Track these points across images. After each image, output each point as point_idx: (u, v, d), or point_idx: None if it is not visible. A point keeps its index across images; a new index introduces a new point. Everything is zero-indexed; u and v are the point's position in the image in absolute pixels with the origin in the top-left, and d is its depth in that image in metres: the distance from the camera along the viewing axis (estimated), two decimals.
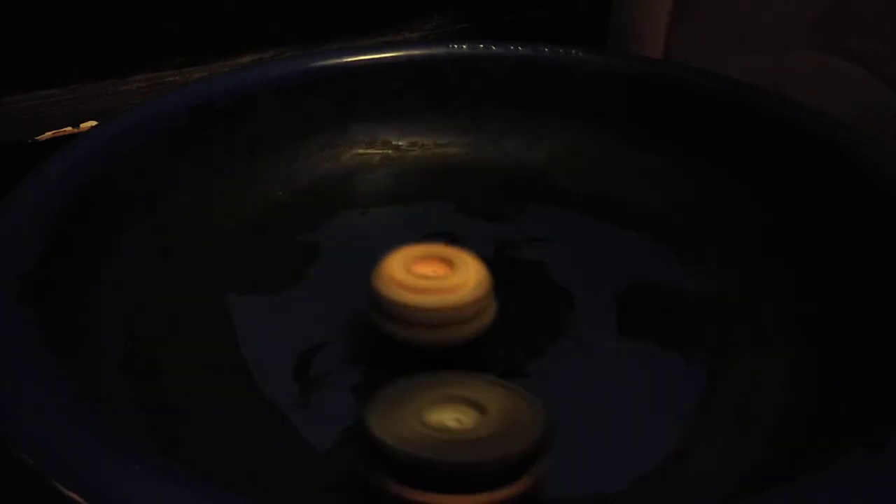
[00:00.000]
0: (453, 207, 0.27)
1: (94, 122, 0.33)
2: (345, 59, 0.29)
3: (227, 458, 0.18)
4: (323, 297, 0.23)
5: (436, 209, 0.27)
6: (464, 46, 0.30)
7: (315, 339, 0.22)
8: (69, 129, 0.33)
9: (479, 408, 0.15)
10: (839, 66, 0.31)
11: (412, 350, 0.19)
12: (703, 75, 0.28)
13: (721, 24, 0.32)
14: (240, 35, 0.36)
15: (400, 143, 0.30)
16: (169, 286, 0.23)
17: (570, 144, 0.29)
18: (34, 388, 0.16)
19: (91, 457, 0.14)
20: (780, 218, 0.25)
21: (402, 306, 0.19)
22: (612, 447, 0.19)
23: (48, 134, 0.32)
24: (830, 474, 0.14)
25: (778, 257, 0.24)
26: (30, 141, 0.32)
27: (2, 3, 0.31)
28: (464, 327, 0.19)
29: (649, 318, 0.23)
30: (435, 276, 0.19)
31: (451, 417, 0.15)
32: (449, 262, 0.20)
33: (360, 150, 0.29)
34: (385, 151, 0.29)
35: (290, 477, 0.18)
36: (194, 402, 0.19)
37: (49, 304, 0.18)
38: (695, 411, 0.20)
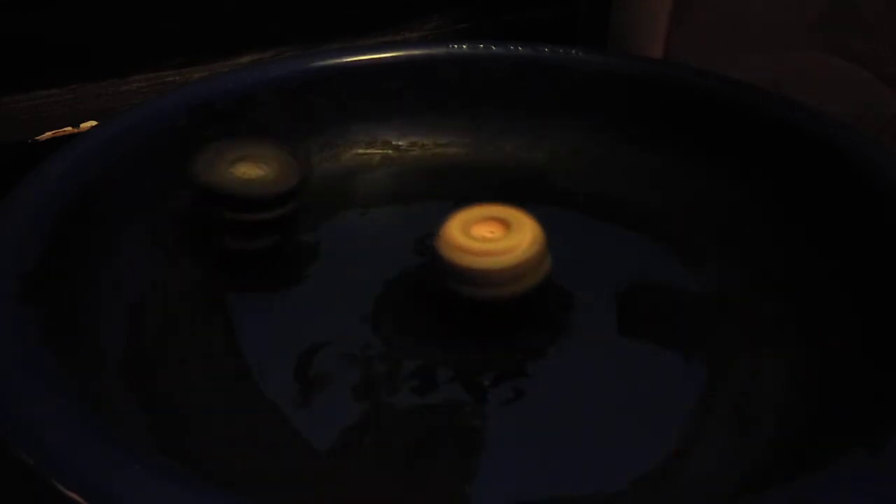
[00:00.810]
0: (453, 207, 0.27)
1: (94, 122, 0.33)
2: (345, 59, 0.29)
3: (227, 458, 0.18)
4: (323, 297, 0.23)
5: (436, 209, 0.27)
6: (464, 46, 0.30)
7: (315, 339, 0.22)
8: (69, 129, 0.33)
9: (265, 163, 0.23)
10: (839, 66, 0.31)
11: (479, 306, 0.21)
12: (703, 75, 0.28)
13: (721, 24, 0.32)
14: (240, 35, 0.36)
15: (400, 143, 0.30)
16: (169, 286, 0.23)
17: (570, 144, 0.29)
18: (34, 388, 0.16)
19: (91, 457, 0.14)
20: (780, 218, 0.25)
21: (464, 269, 0.20)
22: (612, 447, 0.19)
23: (48, 134, 0.32)
24: (830, 474, 0.14)
25: (778, 258, 0.24)
26: (30, 141, 0.32)
27: (2, 3, 0.31)
28: (522, 282, 0.21)
29: (649, 318, 0.23)
30: (492, 238, 0.21)
31: (248, 170, 0.23)
32: (505, 223, 0.21)
33: (360, 150, 0.29)
34: (385, 151, 0.29)
35: (290, 477, 0.18)
36: (194, 403, 0.19)
37: (49, 304, 0.18)
38: (695, 411, 0.20)
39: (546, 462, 0.18)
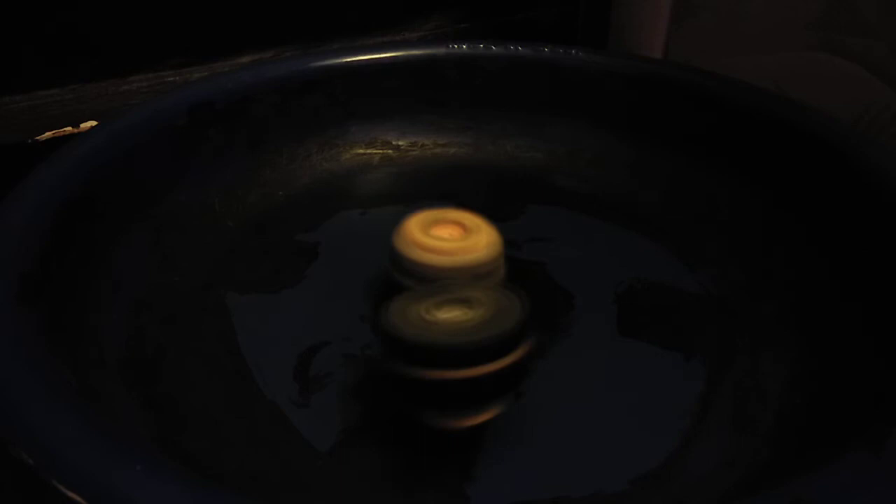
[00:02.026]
0: (453, 207, 0.27)
1: (94, 122, 0.33)
2: (345, 59, 0.29)
3: (227, 458, 0.18)
4: (323, 297, 0.23)
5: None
6: (464, 46, 0.30)
7: (315, 339, 0.22)
8: (69, 129, 0.33)
9: (469, 304, 0.18)
10: (839, 66, 0.31)
11: None
12: (702, 75, 0.28)
13: (721, 24, 0.32)
14: (240, 35, 0.36)
15: (400, 143, 0.30)
16: (169, 286, 0.23)
17: (570, 144, 0.29)
18: (34, 388, 0.16)
19: (91, 457, 0.14)
20: (779, 218, 0.25)
21: (422, 266, 0.20)
22: (612, 447, 0.19)
23: (48, 134, 0.32)
24: (830, 474, 0.14)
25: (778, 257, 0.24)
26: (30, 141, 0.32)
27: (2, 3, 0.31)
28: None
29: (649, 318, 0.23)
30: (451, 238, 0.20)
31: (449, 313, 0.18)
32: (463, 226, 0.21)
33: (360, 150, 0.29)
34: (385, 151, 0.29)
35: (290, 477, 0.18)
36: (194, 402, 0.19)
37: (49, 303, 0.18)
38: (695, 411, 0.20)
39: (546, 462, 0.18)
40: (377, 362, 0.18)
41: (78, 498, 0.13)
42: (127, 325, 0.21)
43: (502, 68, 0.30)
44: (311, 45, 0.38)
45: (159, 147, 0.25)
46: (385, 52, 0.29)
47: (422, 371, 0.16)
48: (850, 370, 0.19)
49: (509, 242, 0.25)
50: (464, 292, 0.18)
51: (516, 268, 0.24)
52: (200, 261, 0.24)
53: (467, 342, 0.16)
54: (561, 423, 0.19)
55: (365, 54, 0.29)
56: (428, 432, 0.19)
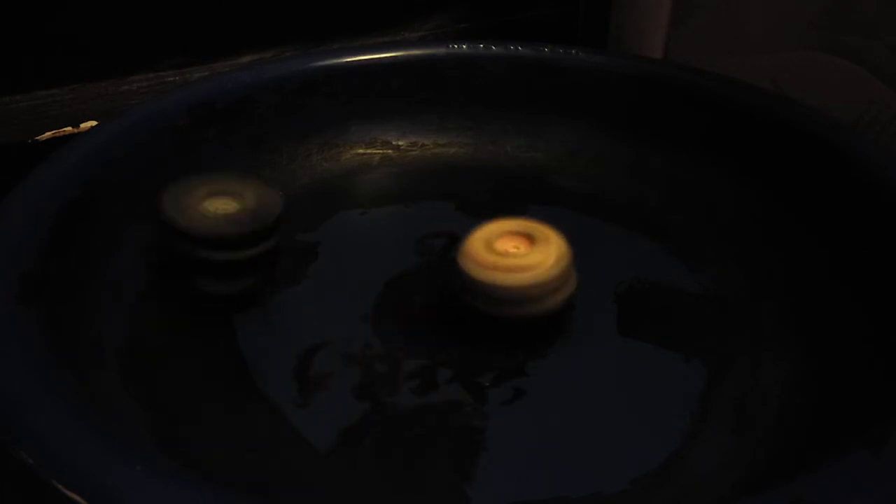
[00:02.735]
0: (453, 207, 0.27)
1: (94, 122, 0.33)
2: (345, 59, 0.29)
3: (227, 458, 0.18)
4: (323, 297, 0.23)
5: (436, 209, 0.27)
6: (464, 46, 0.30)
7: (315, 339, 0.22)
8: (69, 129, 0.33)
9: (239, 197, 0.21)
10: (839, 66, 0.31)
11: (499, 324, 0.21)
12: (703, 75, 0.28)
13: (721, 24, 0.32)
14: (240, 35, 0.36)
15: (400, 143, 0.30)
16: (169, 286, 0.23)
17: (570, 144, 0.29)
18: (34, 387, 0.16)
19: (91, 457, 0.14)
20: (780, 218, 0.25)
21: (482, 284, 0.20)
22: (612, 447, 0.19)
23: (48, 134, 0.32)
24: (830, 474, 0.14)
25: (778, 258, 0.24)
26: (30, 141, 0.32)
27: (2, 3, 0.31)
28: (546, 301, 0.20)
29: (649, 318, 0.23)
30: (515, 254, 0.20)
31: (219, 204, 0.21)
32: (530, 238, 0.21)
33: (360, 150, 0.29)
34: (385, 151, 0.29)
35: (290, 477, 0.18)
36: (194, 402, 0.19)
37: (49, 304, 0.18)
38: (695, 411, 0.20)
39: (546, 462, 0.18)
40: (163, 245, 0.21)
41: (78, 498, 0.13)
42: (127, 325, 0.21)
43: (502, 68, 0.30)
44: (311, 45, 0.38)
45: (159, 147, 0.25)
46: (385, 52, 0.29)
47: (202, 252, 0.21)
48: (851, 370, 0.19)
49: None
50: (230, 186, 0.22)
51: None
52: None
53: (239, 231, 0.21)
54: (561, 423, 0.19)
55: (365, 54, 0.29)
56: (428, 431, 0.19)
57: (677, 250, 0.25)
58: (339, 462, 0.18)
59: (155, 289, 0.22)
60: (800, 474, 0.15)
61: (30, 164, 0.22)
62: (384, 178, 0.29)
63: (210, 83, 0.27)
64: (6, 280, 0.18)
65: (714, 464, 0.18)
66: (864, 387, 0.18)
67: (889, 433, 0.15)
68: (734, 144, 0.27)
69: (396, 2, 0.39)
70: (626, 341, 0.22)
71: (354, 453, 0.19)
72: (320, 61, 0.29)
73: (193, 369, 0.20)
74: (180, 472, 0.15)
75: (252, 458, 0.18)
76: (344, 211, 0.27)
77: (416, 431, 0.19)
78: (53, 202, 0.21)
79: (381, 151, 0.29)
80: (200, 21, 0.35)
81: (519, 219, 0.21)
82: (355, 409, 0.20)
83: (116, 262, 0.22)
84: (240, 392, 0.20)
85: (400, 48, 0.30)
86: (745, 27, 0.32)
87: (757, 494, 0.15)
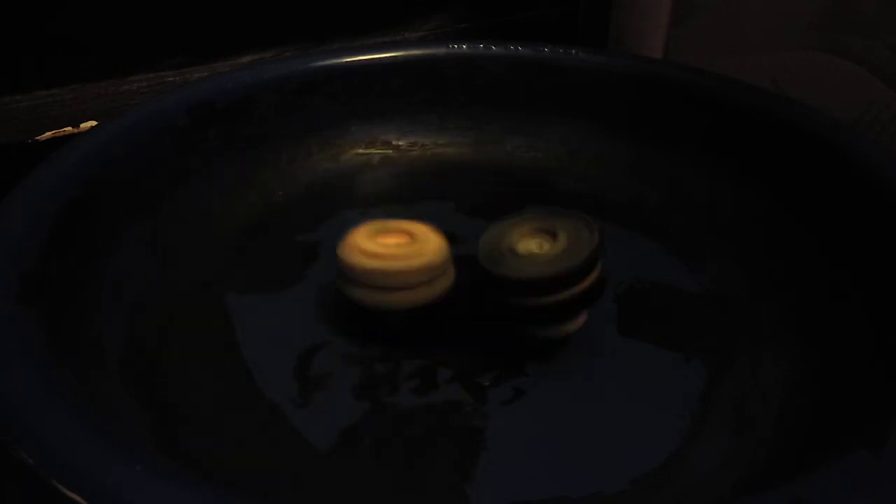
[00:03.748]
0: (453, 207, 0.27)
1: (94, 122, 0.33)
2: (345, 59, 0.29)
3: (227, 458, 0.18)
4: (323, 297, 0.23)
5: (436, 209, 0.27)
6: (464, 46, 0.30)
7: (315, 339, 0.22)
8: (69, 129, 0.33)
9: (552, 234, 0.20)
10: (839, 66, 0.31)
11: (384, 315, 0.21)
12: (703, 75, 0.28)
13: (721, 24, 0.32)
14: (240, 35, 0.37)
15: (400, 143, 0.30)
16: (169, 286, 0.23)
17: (570, 144, 0.29)
18: (34, 388, 0.16)
19: (91, 457, 0.14)
20: (780, 218, 0.25)
21: (363, 271, 0.20)
22: (612, 447, 0.19)
23: (48, 134, 0.32)
24: (830, 474, 0.14)
25: (778, 257, 0.24)
26: (30, 141, 0.32)
27: (2, 3, 0.31)
28: (424, 289, 0.21)
29: (649, 318, 0.23)
30: (397, 245, 0.21)
31: (535, 244, 0.20)
32: (411, 234, 0.21)
33: (360, 150, 0.29)
34: (385, 151, 0.29)
35: (290, 477, 0.18)
36: (194, 402, 0.19)
37: (49, 304, 0.18)
38: (695, 411, 0.20)
39: (546, 462, 0.18)
40: (486, 296, 0.21)
41: (78, 498, 0.13)
42: (127, 324, 0.21)
43: (502, 68, 0.30)
44: (311, 45, 0.38)
45: (159, 147, 0.25)
46: (385, 52, 0.29)
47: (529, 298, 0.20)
48: (851, 370, 0.19)
49: None
50: (545, 222, 0.21)
51: None
52: (200, 261, 0.24)
53: (570, 267, 0.19)
54: (561, 423, 0.19)
55: (365, 54, 0.29)
56: (428, 431, 0.19)
57: (677, 250, 0.25)
58: (339, 462, 0.18)
59: (155, 289, 0.22)
60: (800, 474, 0.15)
61: (30, 164, 0.22)
62: (384, 178, 0.29)
63: (210, 83, 0.27)
64: (6, 280, 0.18)
65: (714, 464, 0.18)
66: (864, 387, 0.18)
67: (889, 433, 0.15)
68: (734, 144, 0.27)
69: (396, 2, 0.39)
70: (626, 341, 0.22)
71: (354, 453, 0.19)
72: (320, 61, 0.29)
73: (193, 369, 0.20)
74: (180, 472, 0.15)
75: (252, 458, 0.18)
76: (344, 211, 0.27)
77: (416, 431, 0.19)
78: (53, 202, 0.21)
79: (381, 151, 0.29)
80: (200, 21, 0.35)
81: (397, 220, 0.22)
82: (355, 409, 0.20)
83: (116, 262, 0.22)
84: (240, 392, 0.20)
85: (400, 48, 0.30)
86: (745, 27, 0.32)
87: (757, 494, 0.16)
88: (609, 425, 0.19)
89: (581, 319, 0.21)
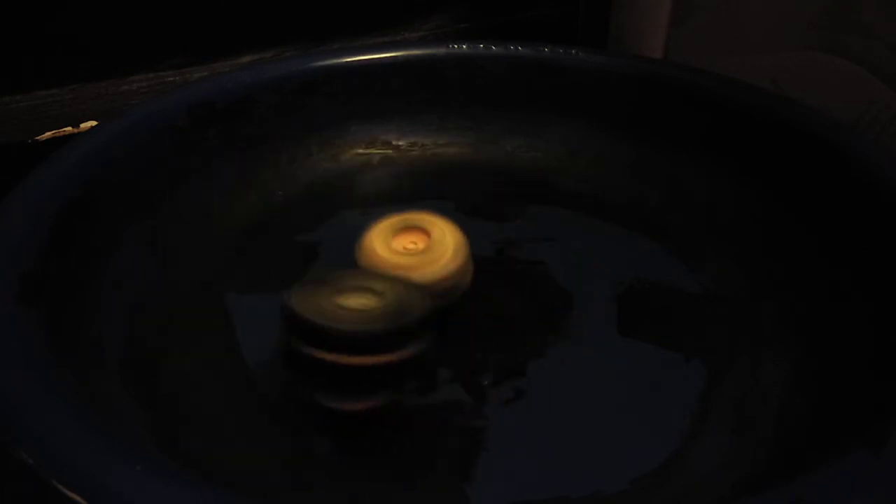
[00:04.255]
0: (453, 207, 0.27)
1: (94, 122, 0.33)
2: (345, 59, 0.29)
3: (227, 458, 0.18)
4: None
5: (436, 209, 0.27)
6: (464, 46, 0.30)
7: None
8: (69, 129, 0.33)
9: (377, 294, 0.18)
10: (839, 66, 0.31)
11: None
12: (703, 75, 0.28)
13: (721, 24, 0.32)
14: (240, 35, 0.36)
15: (400, 143, 0.30)
16: (169, 286, 0.23)
17: (570, 144, 0.29)
18: (34, 388, 0.16)
19: (91, 457, 0.14)
20: (780, 218, 0.25)
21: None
22: (612, 447, 0.19)
23: (48, 134, 0.32)
24: (830, 474, 0.14)
25: (778, 257, 0.24)
26: (30, 141, 0.32)
27: (2, 3, 0.31)
28: (448, 294, 0.21)
29: (649, 318, 0.23)
30: (415, 250, 0.20)
31: (356, 301, 0.18)
32: (426, 232, 0.21)
33: (360, 150, 0.29)
34: (385, 151, 0.29)
35: (290, 477, 0.18)
36: (194, 402, 0.19)
37: (49, 303, 0.18)
38: (695, 411, 0.20)
39: (546, 462, 0.18)
40: (285, 344, 0.18)
41: (78, 498, 0.13)
42: (127, 325, 0.21)
43: (502, 68, 0.30)
44: (311, 45, 0.38)
45: (159, 147, 0.25)
46: (385, 52, 0.29)
47: (326, 354, 0.17)
48: (851, 370, 0.19)
49: (509, 242, 0.26)
50: (368, 282, 0.19)
51: (516, 268, 0.25)
52: (200, 261, 0.24)
53: (371, 329, 0.17)
54: (561, 424, 0.19)
55: (365, 54, 0.29)
56: (428, 431, 0.19)
57: (677, 250, 0.25)
58: (339, 462, 0.18)
59: (155, 289, 0.22)
60: (800, 474, 0.15)
61: (30, 164, 0.22)
62: (384, 178, 0.29)
63: (210, 83, 0.27)
64: (6, 280, 0.18)
65: (714, 464, 0.18)
66: (864, 387, 0.18)
67: (889, 433, 0.15)
68: (734, 144, 0.27)
69: (396, 2, 0.39)
70: (626, 341, 0.22)
71: (354, 453, 0.19)
72: (320, 61, 0.29)
73: (193, 369, 0.20)
74: (180, 472, 0.15)
75: (252, 458, 0.18)
76: (344, 211, 0.27)
77: (416, 431, 0.19)
78: (53, 202, 0.21)
79: (381, 151, 0.29)
80: (200, 21, 0.35)
81: (410, 213, 0.21)
82: (355, 409, 0.20)
83: (116, 262, 0.22)
84: (240, 392, 0.20)
85: (400, 48, 0.30)
86: (745, 27, 0.32)
87: (757, 494, 0.16)
88: (609, 425, 0.19)
89: (373, 401, 0.18)
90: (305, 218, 0.26)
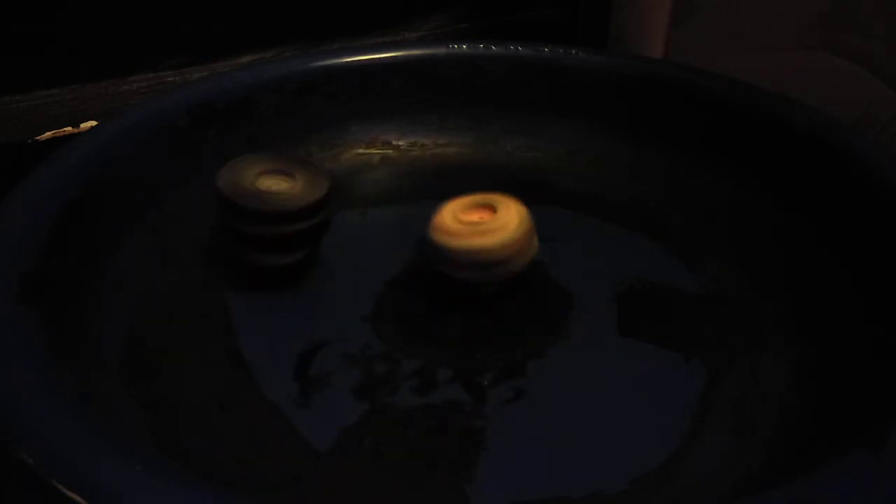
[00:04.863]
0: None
1: (94, 122, 0.33)
2: (345, 59, 0.29)
3: (227, 458, 0.18)
4: (323, 297, 0.23)
5: (436, 209, 0.27)
6: (464, 46, 0.30)
7: (315, 339, 0.22)
8: (69, 129, 0.33)
9: (290, 176, 0.23)
10: (839, 66, 0.31)
11: (467, 288, 0.22)
12: (703, 75, 0.28)
13: (721, 24, 0.32)
14: (240, 35, 0.37)
15: (400, 143, 0.30)
16: (169, 286, 0.23)
17: (570, 144, 0.29)
18: (34, 388, 0.16)
19: (91, 457, 0.14)
20: (780, 217, 0.25)
21: (451, 250, 0.21)
22: (612, 447, 0.19)
23: (48, 134, 0.32)
24: (830, 474, 0.14)
25: (778, 257, 0.24)
26: (30, 141, 0.32)
27: (2, 3, 0.31)
28: (509, 264, 0.22)
29: (649, 318, 0.23)
30: (480, 222, 0.22)
31: (274, 183, 0.22)
32: (492, 208, 0.22)
33: (360, 150, 0.29)
34: (385, 151, 0.29)
35: (290, 477, 0.18)
36: (194, 402, 0.19)
37: (49, 304, 0.18)
38: (695, 411, 0.20)
39: (546, 462, 0.18)
40: (221, 222, 0.22)
41: (78, 498, 0.13)
42: (127, 325, 0.21)
43: (502, 68, 0.30)
44: (311, 45, 0.38)
45: (159, 147, 0.25)
46: (385, 52, 0.29)
47: (257, 227, 0.22)
48: (851, 370, 0.19)
49: None
50: (281, 165, 0.23)
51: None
52: (200, 261, 0.24)
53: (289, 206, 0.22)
54: (561, 423, 0.19)
55: (365, 54, 0.29)
56: (428, 431, 0.19)
57: (677, 250, 0.25)
58: (339, 462, 0.18)
59: (155, 289, 0.22)
60: (800, 474, 0.15)
61: (30, 164, 0.22)
62: (384, 178, 0.29)
63: (210, 83, 0.27)
64: (6, 280, 0.18)
65: (714, 464, 0.18)
66: (864, 387, 0.18)
67: (889, 433, 0.15)
68: (734, 144, 0.27)
69: (396, 2, 0.39)
70: (626, 341, 0.22)
71: (354, 453, 0.19)
72: (320, 61, 0.29)
73: (193, 369, 0.20)
74: (180, 472, 0.15)
75: (252, 458, 0.18)
76: (344, 211, 0.27)
77: (416, 431, 0.19)
78: (53, 202, 0.21)
79: (381, 151, 0.29)
80: (200, 21, 0.35)
81: (479, 193, 0.23)
82: (355, 409, 0.20)
83: (116, 262, 0.22)
84: (240, 392, 0.20)
85: (400, 48, 0.30)
86: (745, 27, 0.32)
87: (757, 494, 0.15)
88: (609, 425, 0.19)
89: (298, 254, 0.23)
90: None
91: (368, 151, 0.29)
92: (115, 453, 0.14)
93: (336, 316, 0.22)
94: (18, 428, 0.15)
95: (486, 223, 0.21)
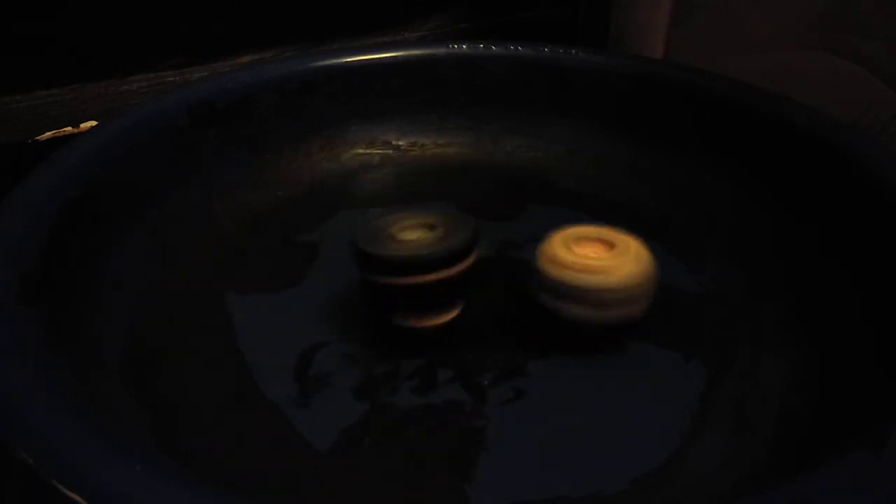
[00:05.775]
0: (453, 207, 0.27)
1: (94, 122, 0.33)
2: (345, 59, 0.29)
3: (227, 458, 0.18)
4: (323, 297, 0.23)
5: (436, 209, 0.27)
6: (464, 46, 0.30)
7: (315, 339, 0.22)
8: (69, 129, 0.33)
9: (431, 227, 0.21)
10: (839, 66, 0.31)
11: (578, 328, 0.20)
12: (703, 75, 0.28)
13: (721, 24, 0.32)
14: (240, 35, 0.37)
15: (400, 143, 0.30)
16: (169, 286, 0.23)
17: (570, 144, 0.29)
18: (34, 388, 0.16)
19: (91, 457, 0.14)
20: (780, 218, 0.25)
21: (564, 285, 0.20)
22: (612, 447, 0.19)
23: (48, 134, 0.32)
24: (830, 474, 0.14)
25: (778, 257, 0.24)
26: (30, 141, 0.32)
27: (2, 3, 0.31)
28: (623, 308, 0.20)
29: (649, 318, 0.23)
30: (595, 257, 0.20)
31: (415, 235, 0.21)
32: (610, 244, 0.21)
33: (360, 150, 0.29)
34: (385, 151, 0.30)
35: (290, 477, 0.18)
36: (194, 403, 0.19)
37: (49, 303, 0.18)
38: (695, 411, 0.20)
39: (546, 462, 0.18)
40: (362, 277, 0.21)
41: (78, 498, 0.13)
42: (127, 325, 0.21)
43: (502, 68, 0.30)
44: (311, 45, 0.38)
45: (159, 147, 0.25)
46: (385, 52, 0.29)
47: (396, 279, 0.20)
48: (851, 370, 0.19)
49: (509, 242, 0.26)
50: (425, 218, 0.21)
51: (516, 268, 0.25)
52: (200, 261, 0.24)
53: (428, 253, 0.20)
54: (561, 423, 0.19)
55: (365, 54, 0.29)
56: (428, 431, 0.19)
57: (677, 250, 0.25)
58: (339, 462, 0.18)
59: (155, 289, 0.22)
60: (800, 474, 0.15)
61: (30, 164, 0.22)
62: (384, 178, 0.29)
63: (210, 83, 0.27)
64: (6, 280, 0.18)
65: (714, 464, 0.18)
66: (864, 387, 0.18)
67: (889, 433, 0.15)
68: (734, 144, 0.27)
69: (396, 2, 0.39)
70: (626, 341, 0.22)
71: (354, 453, 0.19)
72: (320, 61, 0.29)
73: (193, 369, 0.20)
74: (180, 472, 0.15)
75: (252, 458, 0.18)
76: (344, 211, 0.27)
77: (416, 431, 0.19)
78: (53, 202, 0.21)
79: (381, 151, 0.29)
80: (200, 21, 0.35)
81: (599, 226, 0.21)
82: (355, 409, 0.20)
83: (116, 262, 0.22)
84: (240, 392, 0.20)
85: (400, 48, 0.30)
86: (745, 27, 0.32)
87: (757, 494, 0.15)
88: (609, 425, 0.19)
89: (449, 314, 0.21)
90: (305, 218, 0.26)
91: (368, 151, 0.29)
92: (115, 453, 0.14)
93: (336, 316, 0.22)
94: (18, 428, 0.15)
95: (600, 259, 0.20)
